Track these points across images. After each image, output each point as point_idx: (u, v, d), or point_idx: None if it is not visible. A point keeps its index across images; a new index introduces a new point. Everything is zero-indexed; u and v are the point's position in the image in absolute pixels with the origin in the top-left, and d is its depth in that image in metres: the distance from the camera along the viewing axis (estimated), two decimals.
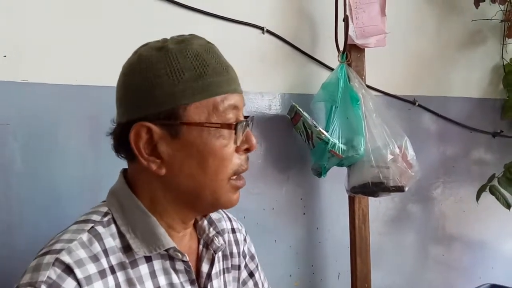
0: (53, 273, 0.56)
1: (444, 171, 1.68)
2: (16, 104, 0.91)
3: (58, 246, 0.59)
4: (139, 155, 0.63)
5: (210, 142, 0.63)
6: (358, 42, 1.24)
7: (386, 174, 1.15)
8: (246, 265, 0.84)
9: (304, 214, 1.35)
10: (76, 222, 0.65)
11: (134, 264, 0.63)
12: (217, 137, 0.63)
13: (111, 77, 1.01)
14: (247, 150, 0.68)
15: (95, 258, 0.60)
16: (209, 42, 0.67)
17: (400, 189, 1.17)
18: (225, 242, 0.78)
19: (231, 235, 0.81)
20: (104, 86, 0.98)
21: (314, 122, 1.19)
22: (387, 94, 1.50)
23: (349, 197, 1.31)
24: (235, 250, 0.81)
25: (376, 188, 1.18)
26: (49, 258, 0.57)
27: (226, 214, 0.84)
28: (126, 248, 0.63)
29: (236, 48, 1.23)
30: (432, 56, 1.64)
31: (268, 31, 1.27)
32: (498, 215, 1.74)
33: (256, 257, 0.87)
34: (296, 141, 1.29)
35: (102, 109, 1.00)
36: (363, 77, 1.30)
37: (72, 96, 0.96)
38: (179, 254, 0.66)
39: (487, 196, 1.66)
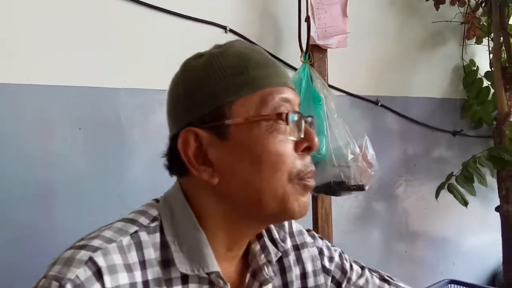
0: (83, 273, 0.52)
1: (406, 169, 1.72)
2: None
3: (96, 243, 0.55)
4: (189, 165, 0.59)
5: (262, 138, 0.57)
6: (320, 42, 1.25)
7: (347, 173, 1.16)
8: (333, 278, 0.73)
9: None
10: (123, 219, 0.60)
11: (169, 283, 0.57)
12: (270, 132, 0.57)
13: (63, 76, 0.99)
14: (308, 149, 0.60)
15: (129, 268, 0.55)
16: (255, 45, 0.65)
17: (360, 188, 1.18)
18: (287, 267, 0.69)
19: (293, 254, 0.70)
20: (56, 85, 0.95)
21: None
22: (351, 94, 1.53)
23: (312, 197, 1.32)
24: (297, 271, 0.70)
25: (338, 187, 1.19)
26: (83, 255, 0.53)
27: (290, 229, 0.73)
28: (166, 263, 0.57)
29: (199, 47, 1.20)
30: (394, 57, 1.67)
31: (231, 31, 1.26)
32: (459, 212, 1.79)
33: (344, 261, 0.75)
34: None
35: (54, 110, 0.97)
36: (326, 78, 1.31)
37: (22, 96, 0.92)
38: (220, 282, 0.58)
39: (447, 193, 1.71)
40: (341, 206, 1.51)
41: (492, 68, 1.73)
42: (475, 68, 1.87)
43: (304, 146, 0.60)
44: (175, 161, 0.61)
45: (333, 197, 1.33)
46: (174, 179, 0.65)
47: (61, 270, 0.52)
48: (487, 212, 1.88)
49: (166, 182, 0.65)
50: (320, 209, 1.30)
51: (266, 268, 0.64)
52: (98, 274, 0.53)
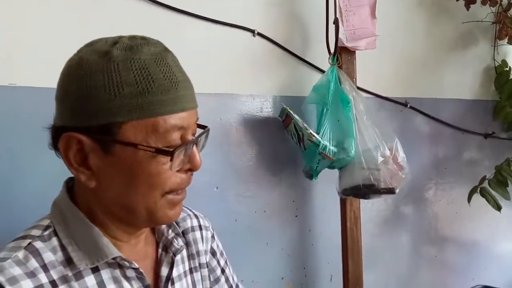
0: None
1: (437, 172, 1.69)
2: (3, 107, 0.91)
3: None
4: (68, 165, 0.61)
5: (145, 163, 0.59)
6: (348, 45, 1.25)
7: (377, 176, 1.15)
8: (218, 262, 0.83)
9: (296, 216, 1.35)
10: (15, 239, 0.62)
11: (78, 276, 0.61)
12: (155, 157, 0.59)
13: None
14: (190, 170, 0.64)
15: (31, 274, 0.58)
16: (165, 50, 0.62)
17: (391, 191, 1.17)
18: (189, 242, 0.77)
19: (197, 232, 0.79)
20: None
21: (305, 125, 1.20)
22: (379, 96, 1.51)
23: (341, 199, 1.31)
24: (201, 247, 0.79)
25: (367, 190, 1.18)
26: None
27: (192, 212, 0.82)
28: (69, 261, 0.61)
29: (227, 51, 1.24)
30: (424, 58, 1.64)
31: (259, 34, 1.27)
32: (490, 216, 1.74)
33: (224, 252, 0.85)
34: (287, 144, 1.29)
35: None
36: (354, 79, 1.30)
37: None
38: (126, 263, 0.64)
39: (479, 197, 1.66)
40: (369, 209, 1.50)
41: None
42: (507, 69, 1.81)
43: (186, 168, 0.63)
44: (57, 149, 0.62)
45: (361, 200, 1.32)
46: None
47: None
48: None
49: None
50: (348, 212, 1.29)
51: (175, 240, 0.72)
52: None
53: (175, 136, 0.60)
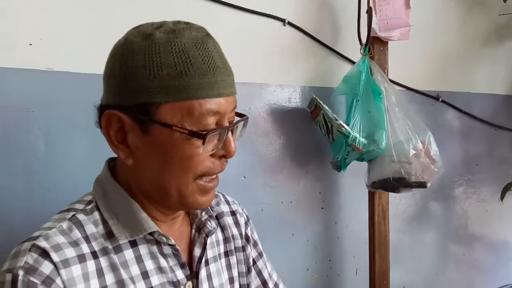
0: (30, 258, 0.57)
1: (467, 169, 1.64)
2: (40, 91, 0.92)
3: (36, 233, 0.61)
4: (109, 141, 0.63)
5: (179, 144, 0.60)
6: (381, 34, 1.22)
7: (408, 169, 1.13)
8: (250, 251, 0.82)
9: (322, 208, 1.34)
10: (59, 212, 0.65)
11: (118, 249, 0.63)
12: (189, 139, 0.60)
13: None
14: (224, 156, 0.65)
15: (74, 244, 0.60)
16: (207, 35, 0.62)
17: (422, 185, 1.14)
18: (224, 226, 0.78)
19: (230, 218, 0.80)
20: None
21: (335, 115, 1.18)
22: (410, 89, 1.48)
23: (369, 193, 1.29)
24: (236, 232, 0.80)
25: (398, 183, 1.16)
26: (26, 245, 0.59)
27: (225, 198, 0.83)
28: (109, 234, 0.63)
29: (257, 40, 1.23)
30: (457, 50, 1.60)
31: (289, 23, 1.26)
32: None
33: (259, 244, 0.85)
34: (315, 135, 1.28)
35: None
36: (386, 71, 1.27)
37: (95, 85, 0.96)
38: (163, 238, 0.65)
39: (510, 196, 1.62)
40: (396, 204, 1.47)
41: None
42: None
43: (220, 154, 0.64)
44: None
45: (389, 194, 1.30)
46: None
47: (11, 263, 0.58)
48: None
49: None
50: (377, 205, 1.27)
51: (208, 222, 0.73)
52: (45, 254, 0.57)
53: (211, 121, 0.61)
